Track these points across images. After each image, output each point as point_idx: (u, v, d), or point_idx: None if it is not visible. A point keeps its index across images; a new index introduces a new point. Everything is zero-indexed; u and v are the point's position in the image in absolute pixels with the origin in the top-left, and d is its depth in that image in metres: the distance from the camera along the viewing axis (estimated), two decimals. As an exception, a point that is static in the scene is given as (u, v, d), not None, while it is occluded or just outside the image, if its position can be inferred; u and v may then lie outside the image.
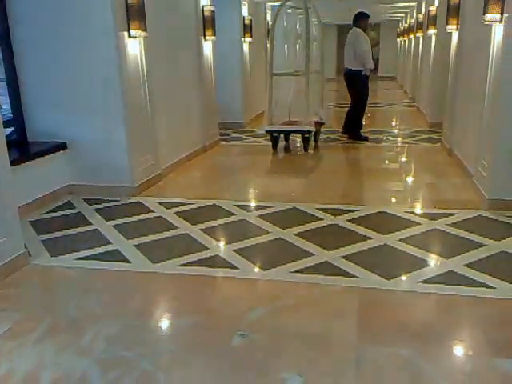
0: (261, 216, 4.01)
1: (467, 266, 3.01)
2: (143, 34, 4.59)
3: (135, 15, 4.45)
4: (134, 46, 4.58)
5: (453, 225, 3.73)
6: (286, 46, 7.00)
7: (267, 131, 6.60)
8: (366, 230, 3.66)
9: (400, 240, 3.46)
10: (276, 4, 10.81)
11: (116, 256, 3.29)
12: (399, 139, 7.42)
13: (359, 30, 6.92)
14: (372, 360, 2.16)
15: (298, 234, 3.58)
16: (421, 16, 10.12)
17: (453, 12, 5.95)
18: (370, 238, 3.50)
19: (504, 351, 2.18)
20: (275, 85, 6.61)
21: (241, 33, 8.26)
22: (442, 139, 6.63)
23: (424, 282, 2.84)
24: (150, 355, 2.22)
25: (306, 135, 6.38)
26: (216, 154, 6.66)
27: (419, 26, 10.23)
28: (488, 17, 3.96)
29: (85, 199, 4.54)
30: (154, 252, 3.33)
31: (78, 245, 3.49)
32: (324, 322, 2.47)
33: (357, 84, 6.99)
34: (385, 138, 7.51)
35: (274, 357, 2.19)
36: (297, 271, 2.99)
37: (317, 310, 2.59)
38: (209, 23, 6.44)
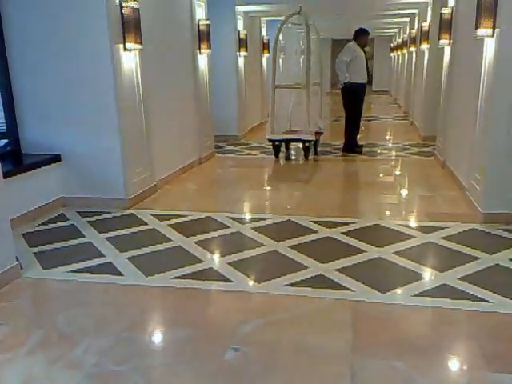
0: (255, 228, 4.00)
1: (461, 279, 3.01)
2: (138, 47, 4.61)
3: (131, 28, 4.47)
4: (130, 58, 4.60)
5: (447, 238, 3.74)
6: (280, 60, 7.15)
7: (270, 140, 6.90)
8: (361, 242, 3.66)
9: (394, 253, 3.46)
10: (271, 19, 10.98)
11: (109, 269, 3.26)
12: (393, 152, 7.47)
13: (354, 44, 7.00)
14: (366, 374, 2.14)
15: (293, 247, 3.57)
16: (414, 31, 10.26)
17: (445, 27, 6.03)
18: (364, 251, 3.49)
19: (499, 365, 2.17)
20: (277, 96, 6.86)
21: (236, 47, 8.33)
22: (436, 152, 6.68)
23: (418, 295, 2.83)
24: (142, 369, 2.19)
25: (307, 144, 6.71)
26: (211, 165, 6.67)
27: (412, 40, 10.36)
28: (480, 32, 4.02)
29: (78, 212, 4.51)
30: (147, 265, 3.31)
31: (70, 257, 3.46)
32: (318, 335, 2.45)
33: (350, 97, 7.05)
34: (379, 151, 7.56)
35: (267, 371, 2.16)
36: (291, 284, 2.98)
37: (311, 323, 2.57)
38: (204, 37, 6.49)
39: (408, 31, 11.83)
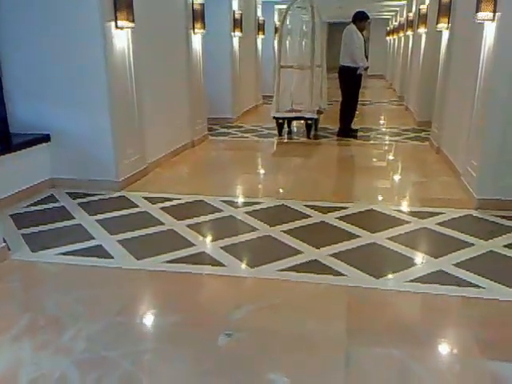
0: (248, 212, 3.94)
1: (456, 265, 2.99)
2: (131, 25, 4.49)
3: (122, 6, 4.34)
4: (121, 37, 4.47)
5: (441, 224, 3.71)
6: (287, 42, 7.27)
7: (274, 117, 7.20)
8: (355, 227, 3.62)
9: (389, 238, 3.43)
10: (267, 0, 10.81)
11: (99, 252, 3.20)
12: (388, 137, 7.41)
13: (354, 27, 6.86)
14: (362, 361, 2.11)
15: (287, 232, 3.52)
16: (411, 14, 10.12)
17: (443, 11, 5.94)
18: (358, 236, 3.45)
19: (494, 352, 2.15)
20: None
21: (230, 27, 8.17)
22: (431, 138, 6.63)
23: (413, 281, 2.80)
24: (132, 355, 2.15)
25: (309, 122, 7.02)
26: (204, 148, 6.58)
27: (409, 24, 10.23)
28: (480, 15, 3.94)
29: (68, 193, 4.43)
30: (138, 248, 3.25)
31: (59, 240, 3.39)
32: (312, 321, 2.41)
33: (348, 81, 6.95)
34: (374, 135, 7.50)
35: (260, 357, 2.13)
36: (284, 269, 2.94)
37: (305, 308, 2.53)
38: (198, 16, 6.34)
39: (405, 14, 11.68)
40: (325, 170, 5.61)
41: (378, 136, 7.50)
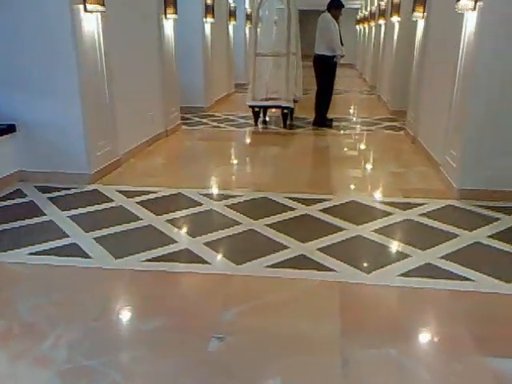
0: (230, 206, 3.82)
1: (443, 258, 2.96)
2: (101, 8, 4.24)
3: (92, -13, 4.09)
4: (91, 21, 4.22)
5: (424, 215, 3.69)
6: (259, 29, 7.08)
7: (250, 106, 7.05)
8: (339, 220, 3.55)
9: (374, 231, 3.38)
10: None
11: (74, 251, 3.02)
12: (362, 127, 7.39)
13: (329, 15, 6.76)
14: (358, 362, 2.05)
15: (271, 225, 3.42)
16: (383, 4, 10.11)
17: (419, 0, 5.90)
18: (344, 229, 3.39)
19: (491, 348, 2.12)
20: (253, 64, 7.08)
21: (202, 13, 7.93)
22: (406, 127, 6.65)
23: (403, 275, 2.75)
24: (117, 363, 2.01)
25: (285, 111, 6.90)
26: (178, 138, 6.39)
27: (381, 13, 10.22)
28: (461, 4, 3.91)
29: (37, 187, 4.18)
30: (116, 246, 3.08)
31: (30, 238, 3.18)
32: (305, 321, 2.33)
33: (324, 70, 6.87)
34: (348, 125, 7.48)
35: (254, 362, 2.03)
36: (272, 265, 2.84)
37: (296, 307, 2.45)
38: (170, 1, 6.10)
39: (376, 3, 11.68)
40: (303, 160, 5.54)
41: (353, 126, 7.48)
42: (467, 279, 2.70)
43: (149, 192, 4.11)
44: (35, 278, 2.73)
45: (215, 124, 7.37)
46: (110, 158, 4.64)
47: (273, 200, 3.97)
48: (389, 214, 3.73)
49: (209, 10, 8.06)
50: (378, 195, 4.25)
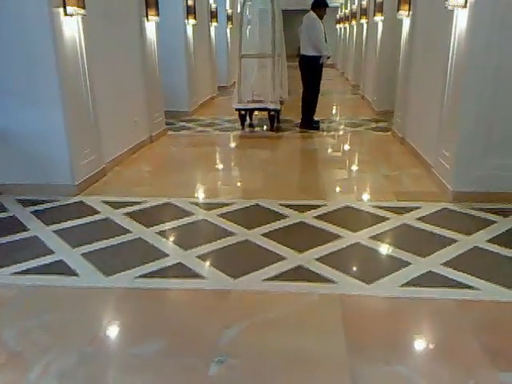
0: (222, 215, 3.69)
1: (445, 264, 2.89)
2: (81, 11, 4.08)
3: (71, -10, 3.93)
4: (71, 25, 4.05)
5: (421, 219, 3.62)
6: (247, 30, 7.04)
7: (236, 109, 6.93)
8: (335, 227, 3.46)
9: (371, 238, 3.29)
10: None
11: (60, 268, 2.86)
12: (349, 128, 7.33)
13: (314, 15, 6.68)
14: (366, 380, 1.95)
15: (266, 235, 3.31)
16: (364, 3, 10.09)
17: (405, -2, 5.86)
18: (340, 237, 3.30)
19: (503, 361, 2.05)
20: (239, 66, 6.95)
21: (184, 14, 7.78)
22: (393, 128, 6.60)
23: (405, 285, 2.67)
24: (114, 394, 1.88)
25: (272, 113, 6.82)
26: (164, 144, 6.23)
27: (363, 12, 10.20)
28: (451, 1, 3.85)
29: (19, 200, 4.00)
30: (105, 262, 2.93)
31: (13, 256, 3.01)
32: (309, 338, 2.22)
33: (311, 71, 6.78)
34: (335, 126, 7.42)
35: (260, 386, 1.92)
36: (270, 278, 2.73)
37: (298, 323, 2.34)
38: (152, 2, 5.95)
39: (357, 2, 11.67)
40: (293, 164, 5.45)
41: (340, 127, 7.41)
42: (471, 287, 2.63)
43: (137, 202, 3.96)
44: (20, 301, 2.57)
45: (201, 128, 7.23)
46: (94, 166, 4.47)
47: (266, 207, 3.86)
48: (385, 218, 3.65)
49: (190, 11, 7.92)
50: (371, 199, 4.17)
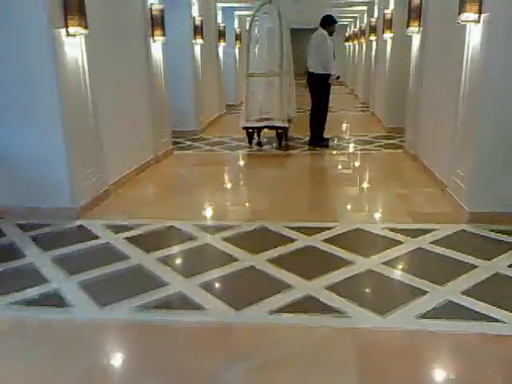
0: (227, 238, 3.52)
1: (465, 293, 2.68)
2: (84, 31, 4.00)
3: (74, 10, 3.85)
4: (74, 45, 3.98)
5: (436, 242, 3.42)
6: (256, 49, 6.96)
7: (244, 127, 6.85)
8: (345, 252, 3.27)
9: (384, 263, 3.10)
10: (226, 5, 10.47)
11: (56, 299, 2.70)
12: (359, 145, 7.16)
13: (325, 33, 6.59)
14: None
15: (272, 261, 3.13)
16: (373, 20, 10.02)
17: (414, 14, 5.75)
18: (351, 263, 3.10)
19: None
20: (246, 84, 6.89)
21: (191, 34, 7.74)
22: (405, 145, 6.42)
23: (423, 316, 2.47)
24: None
25: (280, 131, 6.73)
26: (170, 164, 6.11)
27: (372, 29, 10.12)
28: (464, 16, 3.71)
29: (19, 224, 3.87)
30: (101, 292, 2.77)
31: (7, 285, 2.86)
32: (318, 377, 2.03)
33: (320, 89, 6.66)
34: (345, 144, 7.27)
35: None
36: (276, 310, 2.54)
37: (308, 361, 2.14)
38: (158, 23, 5.89)
39: (366, 20, 11.61)
40: (301, 183, 5.28)
41: (350, 144, 7.26)
42: (496, 320, 2.42)
43: (139, 225, 3.82)
44: (10, 335, 2.42)
45: (208, 147, 7.11)
46: (96, 188, 4.35)
47: (273, 230, 3.68)
48: (398, 242, 3.46)
49: (198, 30, 7.88)
50: (383, 221, 3.99)
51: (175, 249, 3.39)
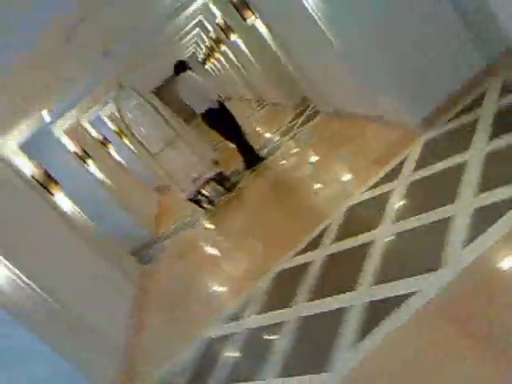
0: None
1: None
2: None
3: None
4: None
5: (418, 167, 3.33)
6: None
7: (189, 199, 6.58)
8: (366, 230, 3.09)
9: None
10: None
11: None
12: (286, 138, 6.86)
13: (186, 74, 6.55)
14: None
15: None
16: (212, 32, 10.05)
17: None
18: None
19: None
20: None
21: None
22: (320, 109, 6.32)
23: None
24: None
25: (216, 177, 6.57)
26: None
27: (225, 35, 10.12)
28: None
29: None
30: None
31: None
32: None
33: (219, 120, 6.55)
34: (276, 146, 6.98)
35: None
36: None
37: None
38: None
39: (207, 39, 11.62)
40: (271, 206, 5.09)
41: (279, 143, 6.97)
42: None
43: None
44: None
45: (169, 240, 6.82)
46: None
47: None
48: (390, 191, 3.32)
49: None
50: (362, 185, 3.82)
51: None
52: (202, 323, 3.73)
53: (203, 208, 6.72)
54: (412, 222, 2.80)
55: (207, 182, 6.68)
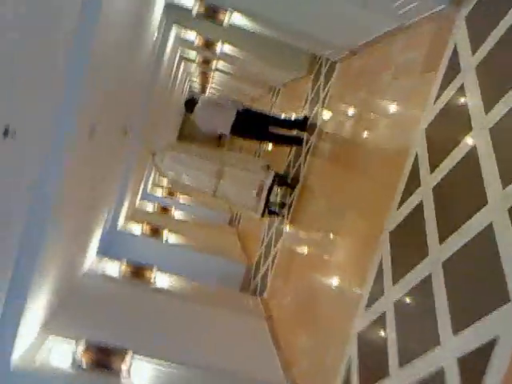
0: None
1: None
2: None
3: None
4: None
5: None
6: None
7: (262, 215, 6.28)
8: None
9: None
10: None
11: None
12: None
13: (200, 103, 6.53)
14: None
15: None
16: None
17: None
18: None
19: None
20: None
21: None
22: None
23: None
24: None
25: (275, 183, 6.27)
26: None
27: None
28: None
29: None
30: None
31: None
32: None
33: (246, 124, 6.40)
34: (311, 121, 6.67)
35: None
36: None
37: None
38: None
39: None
40: (362, 182, 4.59)
41: (316, 116, 6.69)
42: None
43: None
44: None
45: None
46: None
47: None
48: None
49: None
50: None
51: None
52: (344, 323, 3.42)
53: (280, 215, 6.49)
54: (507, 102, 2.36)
55: (270, 189, 6.39)
